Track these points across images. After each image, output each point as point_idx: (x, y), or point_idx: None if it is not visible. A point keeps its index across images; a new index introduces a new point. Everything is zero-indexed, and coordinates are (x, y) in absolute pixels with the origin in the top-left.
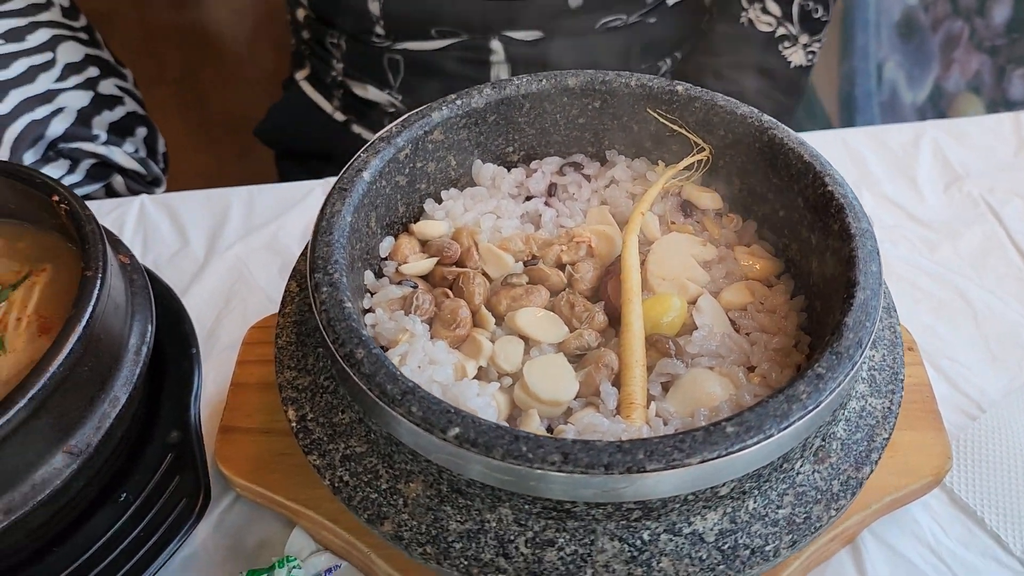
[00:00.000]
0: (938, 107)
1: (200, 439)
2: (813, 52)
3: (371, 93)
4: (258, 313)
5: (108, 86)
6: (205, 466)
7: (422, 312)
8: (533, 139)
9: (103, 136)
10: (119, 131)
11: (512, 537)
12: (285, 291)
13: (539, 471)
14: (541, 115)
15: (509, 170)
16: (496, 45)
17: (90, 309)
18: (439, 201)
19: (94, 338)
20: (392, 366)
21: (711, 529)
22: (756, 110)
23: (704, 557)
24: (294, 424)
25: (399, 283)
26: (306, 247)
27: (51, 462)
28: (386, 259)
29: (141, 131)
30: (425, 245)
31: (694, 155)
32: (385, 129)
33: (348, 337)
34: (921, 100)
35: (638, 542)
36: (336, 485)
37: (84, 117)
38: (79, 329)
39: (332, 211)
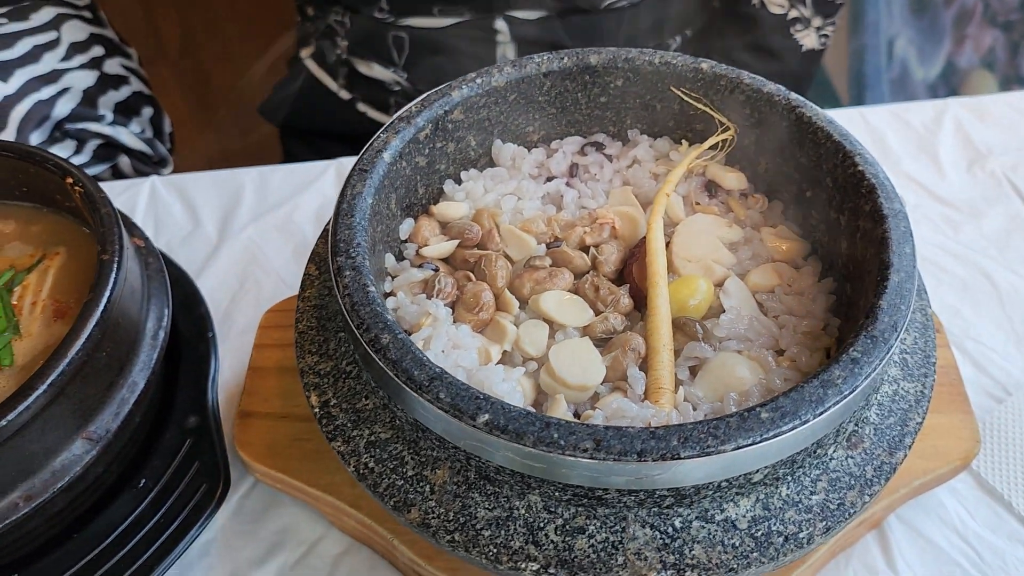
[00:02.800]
0: (950, 84)
1: (219, 424)
2: (826, 36)
3: (376, 71)
4: (273, 296)
5: (113, 65)
6: (224, 451)
7: (444, 295)
8: (553, 118)
9: (109, 116)
10: (125, 111)
11: (542, 524)
12: (304, 275)
13: (571, 458)
14: (562, 94)
15: (529, 151)
16: (501, 25)
17: (108, 293)
18: (459, 182)
19: (112, 323)
20: (419, 351)
21: (744, 516)
22: (783, 88)
23: (737, 544)
24: (317, 410)
25: (420, 266)
26: (325, 229)
27: (70, 448)
28: (406, 242)
29: (147, 111)
30: (446, 227)
31: (719, 134)
32: (404, 108)
33: (373, 322)
34: (933, 77)
35: (670, 529)
36: (361, 472)
37: (90, 97)
38: (97, 313)
39: (353, 193)
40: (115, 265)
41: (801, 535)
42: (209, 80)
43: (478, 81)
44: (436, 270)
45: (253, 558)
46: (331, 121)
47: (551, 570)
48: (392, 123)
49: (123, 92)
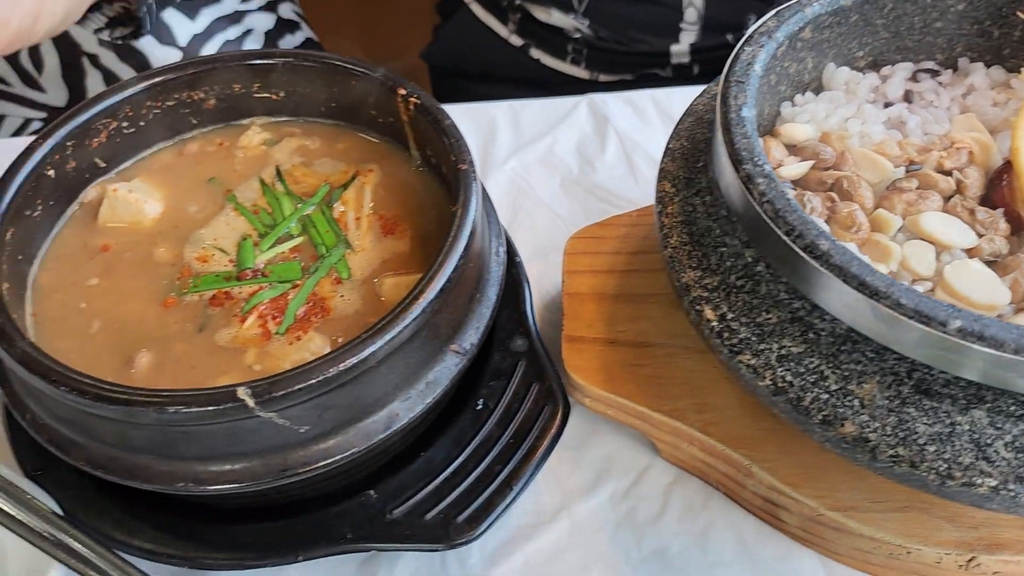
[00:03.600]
0: None
1: (546, 348)
2: None
3: (554, 18)
4: (548, 228)
5: (286, 10)
6: (558, 375)
7: (818, 215)
8: (884, 44)
9: None
10: None
11: (989, 440)
12: (660, 193)
13: None
14: (899, 17)
15: (864, 74)
16: None
17: (475, 201)
18: (792, 104)
19: (475, 234)
20: (861, 256)
21: None
22: None
23: None
24: (715, 323)
25: None
26: (668, 148)
27: (442, 361)
28: None
29: None
30: (792, 149)
31: None
32: (760, 23)
33: (806, 228)
34: None
35: None
36: (779, 385)
37: (271, 40)
38: (468, 223)
39: (737, 104)
40: (474, 175)
41: None
42: (368, 28)
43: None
44: (794, 190)
45: (582, 485)
46: (500, 67)
47: (1010, 486)
48: (752, 36)
49: (298, 37)
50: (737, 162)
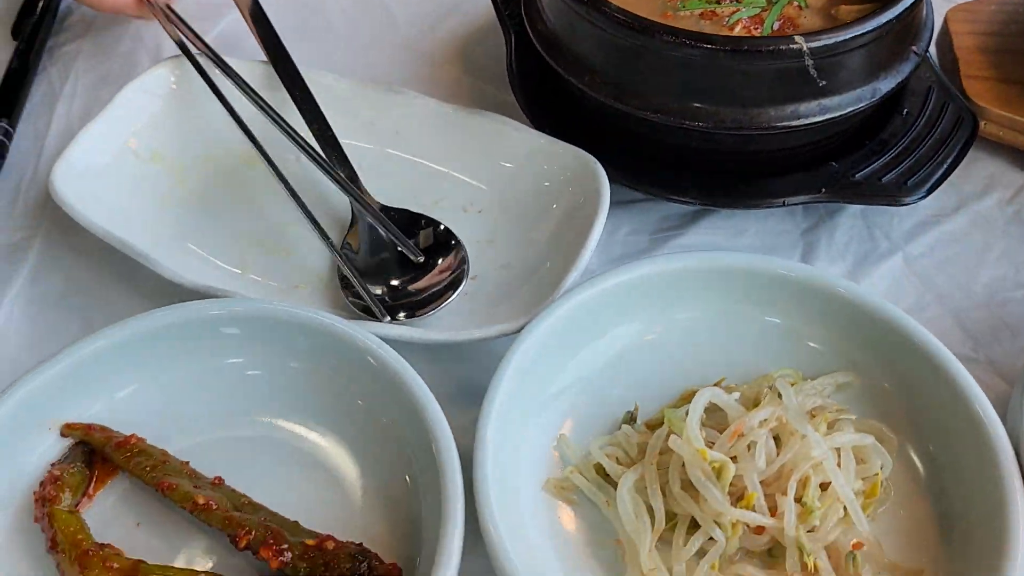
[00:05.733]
0: None
1: (947, 78)
2: None
3: None
4: None
5: None
6: (963, 100)
7: None
8: None
9: None
10: None
11: None
12: None
13: None
14: None
15: None
16: None
17: None
18: None
19: None
20: None
21: None
22: None
23: None
24: None
25: None
26: None
27: (906, 58)
28: None
29: None
30: None
31: None
32: None
33: None
34: None
35: None
36: None
37: None
38: None
39: None
40: None
41: None
42: None
43: None
44: None
45: (973, 192)
46: None
47: None
48: None
49: None
50: None
